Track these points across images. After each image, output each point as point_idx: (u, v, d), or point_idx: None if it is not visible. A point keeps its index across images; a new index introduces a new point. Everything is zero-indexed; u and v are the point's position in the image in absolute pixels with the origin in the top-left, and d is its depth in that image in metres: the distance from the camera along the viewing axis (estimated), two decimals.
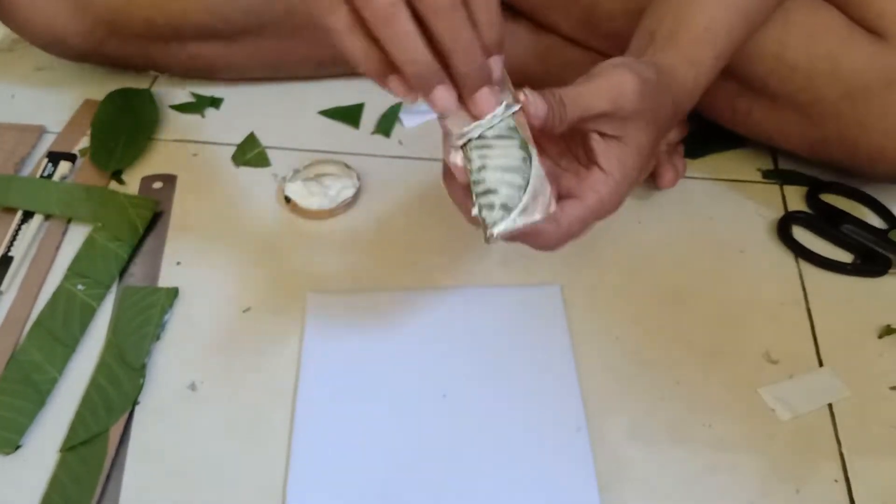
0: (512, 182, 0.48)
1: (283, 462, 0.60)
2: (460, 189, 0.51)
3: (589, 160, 0.54)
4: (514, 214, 0.47)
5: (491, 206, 0.47)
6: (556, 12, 0.82)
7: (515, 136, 0.49)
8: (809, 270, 0.73)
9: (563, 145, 0.56)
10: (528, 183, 0.48)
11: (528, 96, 0.50)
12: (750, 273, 0.72)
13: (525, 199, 0.47)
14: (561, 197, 0.53)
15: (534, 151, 0.49)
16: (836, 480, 0.60)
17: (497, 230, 0.47)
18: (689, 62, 0.60)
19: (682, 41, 0.60)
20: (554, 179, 0.53)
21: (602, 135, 0.53)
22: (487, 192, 0.48)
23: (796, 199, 0.78)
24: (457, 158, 0.49)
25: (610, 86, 0.52)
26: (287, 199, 0.75)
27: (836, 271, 0.72)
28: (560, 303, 0.69)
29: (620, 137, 0.53)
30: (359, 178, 0.77)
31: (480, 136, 0.49)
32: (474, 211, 0.48)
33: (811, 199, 0.77)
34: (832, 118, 0.70)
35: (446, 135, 0.50)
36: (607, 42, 0.80)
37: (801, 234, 0.75)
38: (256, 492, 0.58)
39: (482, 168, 0.48)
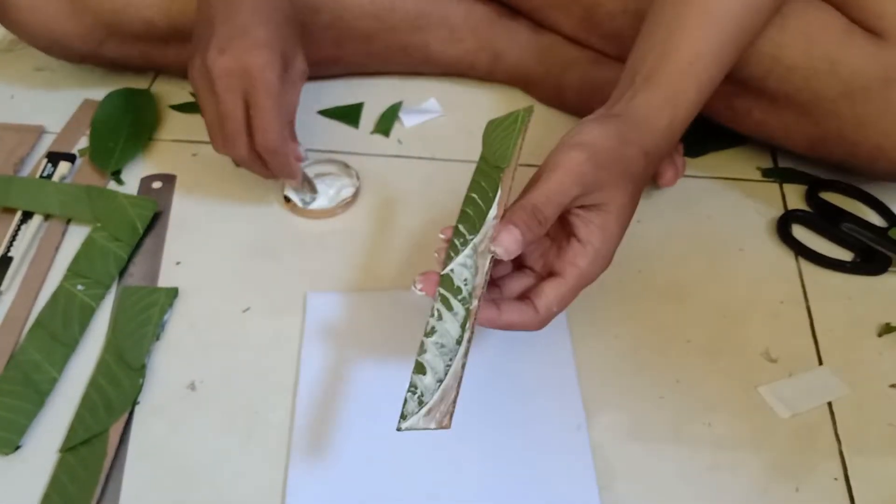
0: (436, 368, 0.51)
1: (283, 461, 0.60)
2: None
3: (568, 234, 0.56)
4: (420, 414, 0.50)
5: (414, 391, 0.50)
6: (557, 11, 0.82)
7: (469, 302, 0.52)
8: (809, 269, 0.73)
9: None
10: (444, 378, 0.50)
11: (496, 247, 0.52)
12: (749, 271, 0.72)
13: (434, 399, 0.50)
14: (543, 276, 0.57)
15: (466, 335, 0.51)
16: (835, 478, 0.60)
17: (405, 425, 0.50)
18: (667, 101, 0.60)
19: (664, 79, 0.61)
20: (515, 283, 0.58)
21: (582, 207, 0.55)
22: (421, 367, 0.51)
23: (796, 197, 0.78)
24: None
25: (568, 169, 0.54)
26: (287, 200, 0.75)
27: (836, 269, 0.72)
28: None
29: (600, 205, 0.55)
30: (358, 178, 0.77)
31: (448, 277, 0.53)
32: (407, 385, 0.50)
33: (811, 197, 0.77)
34: (831, 117, 0.70)
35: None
36: (607, 41, 0.80)
37: (800, 233, 0.75)
38: (256, 491, 0.58)
39: (432, 332, 0.52)
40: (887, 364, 0.66)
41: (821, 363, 0.66)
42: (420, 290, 0.54)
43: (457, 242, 0.54)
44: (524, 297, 0.56)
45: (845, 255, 0.74)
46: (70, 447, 0.60)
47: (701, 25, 0.61)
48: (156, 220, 0.75)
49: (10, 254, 0.71)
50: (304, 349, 0.65)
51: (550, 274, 0.56)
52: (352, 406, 0.62)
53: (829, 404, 0.64)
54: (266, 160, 0.68)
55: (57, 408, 0.62)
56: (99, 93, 0.86)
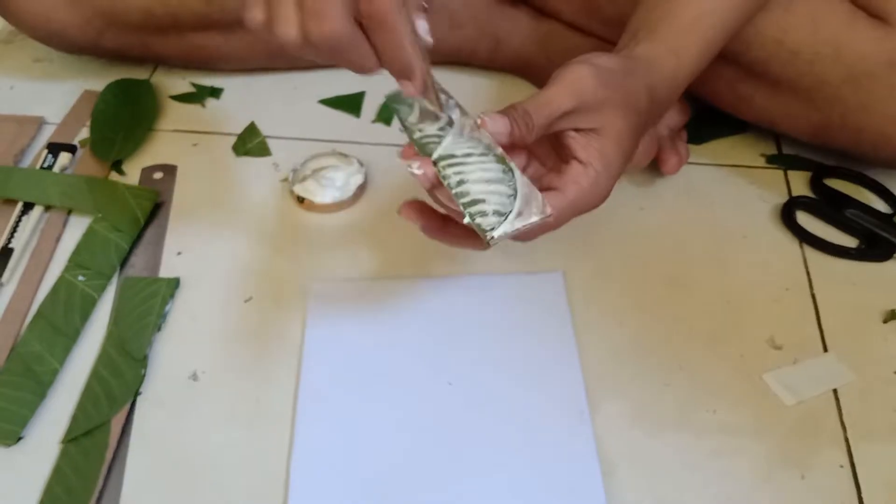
0: (499, 191, 0.49)
1: (286, 451, 0.59)
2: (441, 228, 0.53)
3: (567, 157, 0.54)
4: (510, 217, 0.48)
5: (483, 214, 0.48)
6: None
7: (489, 153, 0.50)
8: (813, 255, 0.72)
9: (549, 148, 0.56)
10: (516, 191, 0.49)
11: (485, 119, 0.51)
12: (754, 258, 0.72)
13: (518, 203, 0.48)
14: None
15: (513, 164, 0.50)
16: (841, 466, 0.59)
17: (497, 233, 0.47)
18: (671, 51, 0.60)
19: (666, 32, 0.60)
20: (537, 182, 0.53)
21: (578, 130, 0.53)
22: (474, 202, 0.48)
23: (800, 184, 0.78)
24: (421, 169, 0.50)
25: (568, 83, 0.53)
26: (300, 200, 0.74)
27: (841, 256, 0.72)
28: (562, 289, 0.68)
29: (597, 129, 0.54)
30: (361, 164, 0.77)
31: (449, 156, 0.50)
32: (466, 220, 0.48)
33: (815, 183, 0.77)
34: (835, 103, 0.69)
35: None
36: (608, 28, 0.79)
37: (804, 219, 0.74)
38: (259, 480, 0.58)
39: (461, 182, 0.49)
40: (893, 350, 0.66)
41: (826, 350, 0.66)
42: (418, 167, 0.50)
43: (429, 140, 0.51)
44: None
45: (850, 242, 0.73)
46: (72, 438, 0.59)
47: None
48: (157, 211, 0.74)
49: (10, 245, 0.71)
50: (307, 338, 0.65)
51: (550, 189, 0.53)
52: (355, 396, 0.62)
53: (835, 391, 0.63)
54: (372, 36, 0.48)
55: (59, 399, 0.62)
56: (99, 83, 0.85)
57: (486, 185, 0.49)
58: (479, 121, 0.51)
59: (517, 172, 0.49)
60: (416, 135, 0.52)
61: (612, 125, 0.54)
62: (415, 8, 0.50)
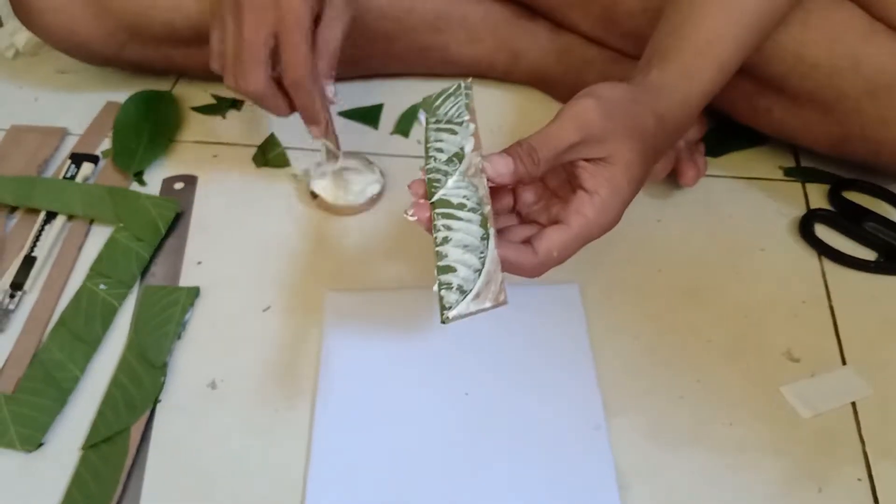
0: (469, 263, 0.50)
1: (303, 459, 0.60)
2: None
3: (575, 186, 0.55)
4: (467, 300, 0.49)
5: (449, 286, 0.49)
6: (576, 11, 0.81)
7: (479, 209, 0.51)
8: (832, 268, 0.72)
9: (564, 178, 0.57)
10: (482, 268, 0.49)
11: (485, 165, 0.52)
12: (771, 271, 0.72)
13: (478, 284, 0.49)
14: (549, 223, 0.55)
15: (492, 231, 0.50)
16: (859, 479, 0.59)
17: (452, 314, 0.49)
18: (683, 75, 0.60)
19: (679, 56, 0.60)
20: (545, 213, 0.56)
21: (588, 160, 0.54)
22: (447, 268, 0.50)
23: (818, 196, 0.78)
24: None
25: (572, 116, 0.53)
26: (314, 195, 0.75)
27: (860, 269, 0.72)
28: (578, 301, 0.69)
29: (605, 158, 0.54)
30: (382, 174, 0.77)
31: (446, 203, 0.52)
32: (435, 287, 0.50)
33: (833, 196, 0.77)
34: (855, 115, 0.69)
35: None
36: (626, 41, 0.80)
37: (823, 232, 0.74)
38: (276, 488, 0.59)
39: (445, 241, 0.50)
40: None
41: (844, 363, 0.66)
42: (412, 215, 0.52)
43: (438, 176, 0.53)
44: (526, 242, 0.54)
45: (869, 255, 0.73)
46: (92, 445, 0.60)
47: (721, 8, 0.61)
48: (177, 221, 0.75)
49: (33, 253, 0.72)
50: (325, 347, 0.66)
51: (555, 222, 0.54)
52: (372, 405, 0.62)
53: (853, 405, 0.63)
54: (291, 95, 0.66)
55: (79, 406, 0.63)
56: (121, 95, 0.86)
57: (462, 251, 0.50)
58: (482, 164, 0.52)
59: (491, 243, 0.50)
60: (430, 164, 0.54)
61: (620, 153, 0.54)
62: (325, 76, 0.68)
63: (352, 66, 0.87)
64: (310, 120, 0.68)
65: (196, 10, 0.78)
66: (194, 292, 0.69)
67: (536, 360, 0.65)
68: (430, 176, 0.53)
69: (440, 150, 0.54)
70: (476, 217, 0.51)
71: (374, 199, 0.76)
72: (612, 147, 0.54)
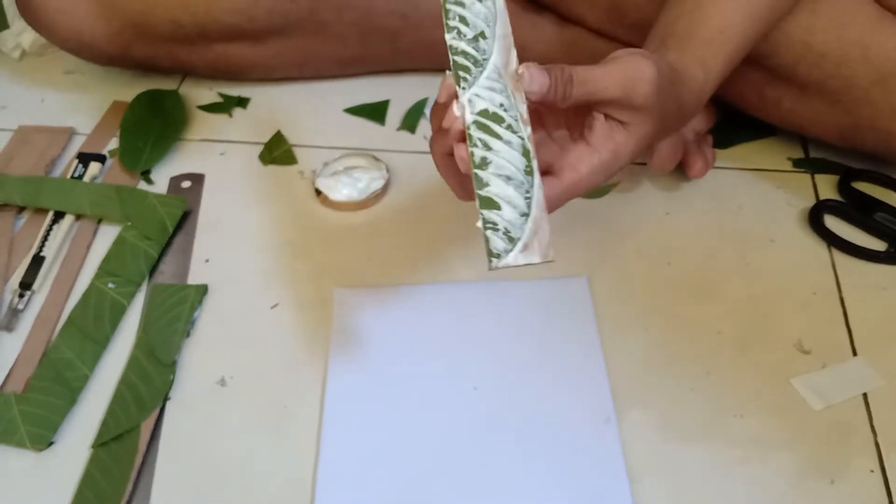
0: (513, 201, 0.47)
1: (313, 455, 0.60)
2: (455, 172, 0.51)
3: (581, 135, 0.53)
4: (515, 250, 0.46)
5: (495, 227, 0.46)
6: (582, 4, 0.81)
7: (518, 131, 0.48)
8: (842, 259, 0.71)
9: (563, 118, 0.55)
10: (529, 211, 0.47)
11: (528, 70, 0.49)
12: (781, 263, 0.71)
13: (527, 233, 0.46)
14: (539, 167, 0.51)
15: (535, 165, 0.48)
16: (871, 471, 0.59)
17: (500, 264, 0.46)
18: (699, 63, 0.59)
19: (694, 43, 0.60)
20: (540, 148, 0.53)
21: (607, 116, 0.53)
22: (490, 202, 0.46)
23: (828, 187, 0.77)
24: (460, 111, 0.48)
25: (625, 72, 0.51)
26: (318, 192, 0.76)
27: (870, 260, 0.71)
28: (587, 294, 0.68)
29: (625, 123, 0.53)
30: (388, 170, 0.77)
31: (480, 106, 0.47)
32: (478, 223, 0.47)
33: (843, 187, 0.76)
34: (864, 105, 0.69)
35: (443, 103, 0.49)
36: (633, 33, 0.79)
37: (833, 223, 0.74)
38: (286, 485, 0.58)
39: (485, 162, 0.47)
40: None
41: (855, 354, 0.65)
42: (458, 108, 0.48)
43: (465, 62, 0.48)
44: None
45: (879, 245, 0.72)
46: (102, 443, 0.60)
47: None
48: (185, 219, 0.75)
49: (42, 253, 0.72)
50: (333, 344, 0.66)
51: (546, 171, 0.52)
52: (381, 401, 0.62)
53: (865, 396, 0.63)
54: None
55: (89, 404, 0.63)
56: (128, 94, 0.86)
57: (504, 182, 0.47)
58: (521, 69, 0.48)
59: (537, 181, 0.47)
60: (453, 37, 0.48)
61: (641, 126, 0.53)
62: None
63: (358, 63, 0.87)
64: None
65: (203, 8, 0.78)
66: (202, 290, 0.69)
67: (546, 354, 0.65)
68: (456, 58, 0.48)
69: (463, 21, 0.49)
70: (516, 140, 0.47)
71: (379, 195, 0.76)
72: (639, 118, 0.53)
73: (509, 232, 0.46)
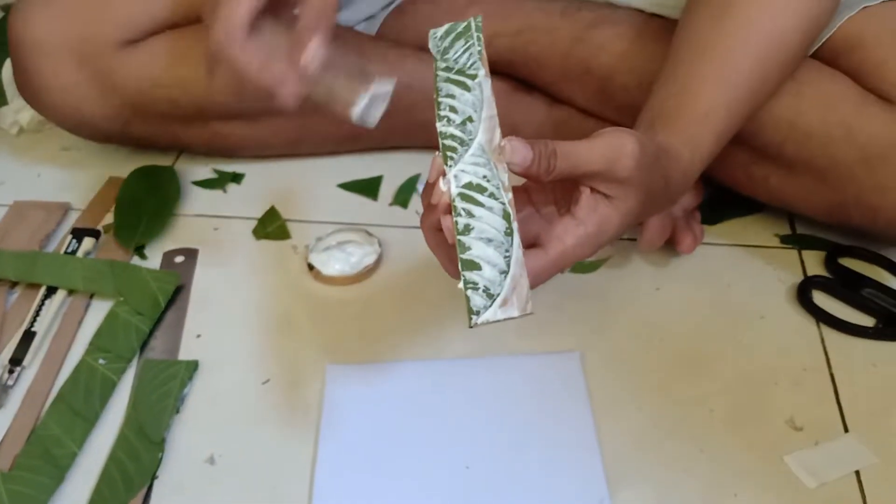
0: (493, 260, 0.48)
1: None
2: (444, 246, 0.52)
3: (567, 209, 0.53)
4: (494, 306, 0.47)
5: (475, 287, 0.47)
6: (572, 86, 0.83)
7: (500, 198, 0.49)
8: (831, 335, 0.72)
9: (551, 195, 0.56)
10: (508, 268, 0.48)
11: (510, 143, 0.50)
12: (771, 339, 0.72)
13: (505, 289, 0.48)
14: (526, 244, 0.52)
15: (515, 227, 0.49)
16: None
17: (479, 320, 0.47)
18: (687, 142, 0.60)
19: (680, 124, 0.61)
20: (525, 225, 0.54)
21: (593, 190, 0.53)
22: (472, 264, 0.48)
23: (815, 263, 0.78)
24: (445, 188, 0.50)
25: (608, 146, 0.52)
26: (310, 267, 0.76)
27: (858, 336, 0.72)
28: (580, 370, 0.68)
29: (610, 197, 0.53)
30: (380, 245, 0.78)
31: (465, 179, 0.49)
32: (460, 285, 0.48)
33: (830, 263, 0.77)
34: (850, 183, 0.70)
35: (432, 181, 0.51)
36: (622, 114, 0.81)
37: (821, 299, 0.74)
38: None
39: (468, 229, 0.48)
40: None
41: (847, 430, 0.65)
42: (444, 182, 0.50)
43: (453, 143, 0.50)
44: None
45: (867, 321, 0.73)
46: None
47: (717, 80, 0.62)
48: (178, 294, 0.75)
49: (33, 328, 0.72)
50: (324, 421, 0.65)
51: (533, 244, 0.53)
52: (372, 480, 0.62)
53: (857, 473, 0.62)
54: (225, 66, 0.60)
55: (76, 482, 0.62)
56: (123, 170, 0.87)
57: (485, 245, 0.48)
58: (504, 142, 0.50)
59: (516, 241, 0.48)
60: (444, 124, 0.51)
61: (626, 200, 0.54)
62: (311, 31, 0.58)
63: (352, 141, 0.88)
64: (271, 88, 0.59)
65: (199, 88, 0.79)
66: (193, 366, 0.69)
67: (539, 431, 0.64)
68: (445, 142, 0.51)
69: (453, 110, 0.52)
70: (498, 206, 0.49)
71: (371, 270, 0.77)
72: (623, 192, 0.53)
73: (489, 289, 0.47)
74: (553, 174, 0.51)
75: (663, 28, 0.74)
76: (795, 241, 0.80)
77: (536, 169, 0.50)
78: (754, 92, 0.64)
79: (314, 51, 0.57)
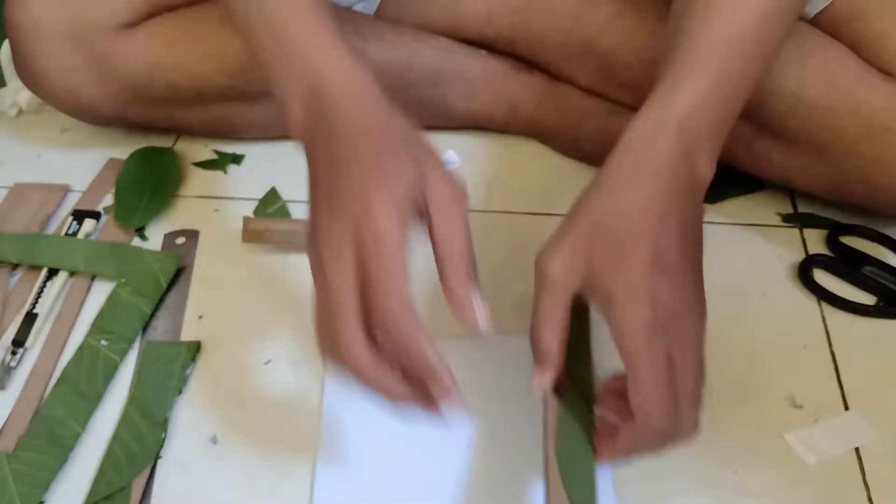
0: None
1: None
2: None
3: None
4: None
5: None
6: (573, 64, 0.83)
7: None
8: (832, 313, 0.72)
9: None
10: None
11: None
12: (772, 317, 0.72)
13: None
14: None
15: None
16: None
17: None
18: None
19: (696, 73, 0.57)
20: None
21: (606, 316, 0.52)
22: None
23: (816, 241, 0.78)
24: None
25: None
26: None
27: (859, 314, 0.72)
28: None
29: (608, 297, 0.51)
30: None
31: None
32: None
33: (831, 241, 0.77)
34: (852, 158, 0.70)
35: None
36: (624, 92, 0.81)
37: (822, 277, 0.74)
38: None
39: None
40: None
41: (847, 408, 0.65)
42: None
43: None
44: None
45: (868, 299, 0.73)
46: (93, 502, 0.60)
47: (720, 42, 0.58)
48: (179, 275, 0.75)
49: (35, 310, 0.72)
50: (326, 400, 0.65)
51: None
52: (374, 459, 0.62)
53: (857, 450, 0.63)
54: (398, 353, 0.50)
55: (80, 462, 0.62)
56: (123, 152, 0.87)
57: None
58: None
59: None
60: None
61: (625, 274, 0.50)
62: (462, 288, 0.51)
63: None
64: (440, 392, 0.51)
65: (199, 72, 0.79)
66: (195, 347, 0.69)
67: (538, 411, 0.65)
68: None
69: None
70: None
71: None
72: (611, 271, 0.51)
73: None
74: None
75: (664, 4, 0.74)
76: (797, 220, 0.80)
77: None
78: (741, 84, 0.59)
79: (482, 311, 0.51)
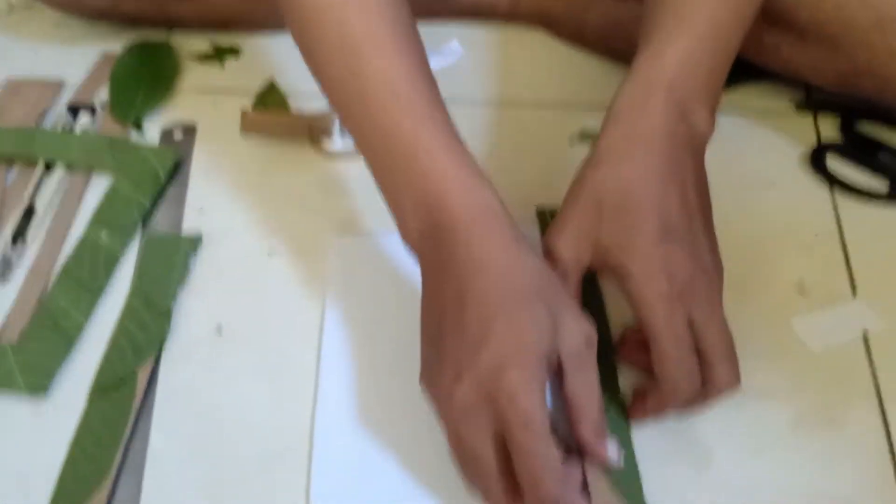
0: None
1: (310, 403, 0.60)
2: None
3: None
4: None
5: None
6: None
7: None
8: (844, 201, 0.71)
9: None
10: None
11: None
12: (782, 205, 0.71)
13: None
14: None
15: None
16: (871, 413, 0.59)
17: None
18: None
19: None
20: None
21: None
22: None
23: (830, 130, 0.76)
24: None
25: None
26: (314, 141, 0.75)
27: (871, 200, 0.71)
28: None
29: (622, 266, 0.53)
30: None
31: None
32: None
33: (845, 128, 0.75)
34: (862, 49, 0.68)
35: None
36: None
37: (835, 165, 0.73)
38: (283, 432, 0.58)
39: None
40: None
41: (855, 296, 0.65)
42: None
43: None
44: None
45: (881, 187, 0.72)
46: (99, 390, 0.60)
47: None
48: (178, 169, 0.74)
49: (33, 205, 0.71)
50: (330, 292, 0.65)
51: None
52: (377, 348, 0.62)
53: (865, 339, 0.62)
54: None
55: (85, 353, 0.62)
56: (118, 46, 0.85)
57: None
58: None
59: None
60: None
61: (636, 243, 0.52)
62: (594, 444, 0.51)
63: None
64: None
65: None
66: (197, 240, 0.69)
67: None
68: None
69: None
70: None
71: None
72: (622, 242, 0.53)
73: None
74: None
75: None
76: (811, 106, 0.78)
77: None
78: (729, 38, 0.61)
79: (614, 451, 0.51)
